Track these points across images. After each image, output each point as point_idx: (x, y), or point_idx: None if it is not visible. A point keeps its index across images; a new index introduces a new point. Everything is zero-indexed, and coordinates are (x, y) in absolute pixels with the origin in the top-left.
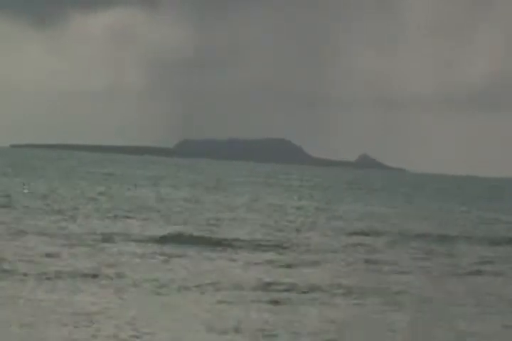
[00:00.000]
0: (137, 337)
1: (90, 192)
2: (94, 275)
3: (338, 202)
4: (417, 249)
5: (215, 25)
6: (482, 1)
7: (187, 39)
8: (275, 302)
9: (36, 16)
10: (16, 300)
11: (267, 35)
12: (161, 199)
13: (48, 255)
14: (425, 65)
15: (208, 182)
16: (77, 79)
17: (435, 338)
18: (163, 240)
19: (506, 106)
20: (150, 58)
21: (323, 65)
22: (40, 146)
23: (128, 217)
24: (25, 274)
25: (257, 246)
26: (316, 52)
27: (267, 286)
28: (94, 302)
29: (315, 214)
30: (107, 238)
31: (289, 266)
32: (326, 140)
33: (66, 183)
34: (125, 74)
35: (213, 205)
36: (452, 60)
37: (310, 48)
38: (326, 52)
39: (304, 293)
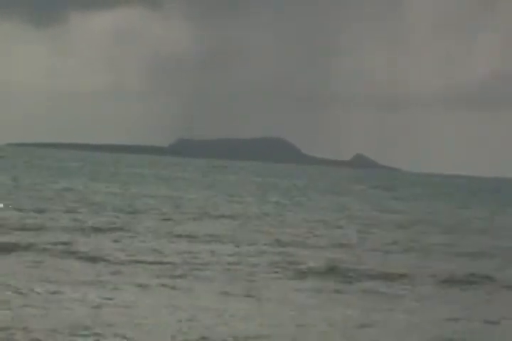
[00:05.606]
0: None
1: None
2: None
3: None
4: None
5: (216, 26)
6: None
7: (188, 39)
8: None
9: (38, 16)
10: None
11: (267, 34)
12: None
13: None
14: (422, 65)
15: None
16: (77, 78)
17: None
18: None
19: (503, 106)
20: (150, 58)
21: (320, 65)
22: (35, 145)
23: None
24: None
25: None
26: (315, 52)
27: None
28: None
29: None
30: None
31: None
32: (322, 139)
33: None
34: (125, 74)
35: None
36: (449, 61)
37: (309, 48)
38: (324, 52)
39: None
